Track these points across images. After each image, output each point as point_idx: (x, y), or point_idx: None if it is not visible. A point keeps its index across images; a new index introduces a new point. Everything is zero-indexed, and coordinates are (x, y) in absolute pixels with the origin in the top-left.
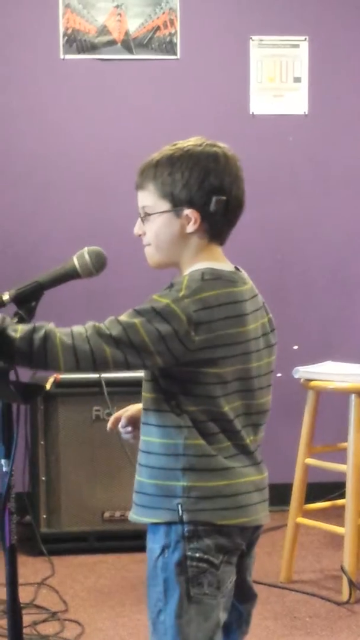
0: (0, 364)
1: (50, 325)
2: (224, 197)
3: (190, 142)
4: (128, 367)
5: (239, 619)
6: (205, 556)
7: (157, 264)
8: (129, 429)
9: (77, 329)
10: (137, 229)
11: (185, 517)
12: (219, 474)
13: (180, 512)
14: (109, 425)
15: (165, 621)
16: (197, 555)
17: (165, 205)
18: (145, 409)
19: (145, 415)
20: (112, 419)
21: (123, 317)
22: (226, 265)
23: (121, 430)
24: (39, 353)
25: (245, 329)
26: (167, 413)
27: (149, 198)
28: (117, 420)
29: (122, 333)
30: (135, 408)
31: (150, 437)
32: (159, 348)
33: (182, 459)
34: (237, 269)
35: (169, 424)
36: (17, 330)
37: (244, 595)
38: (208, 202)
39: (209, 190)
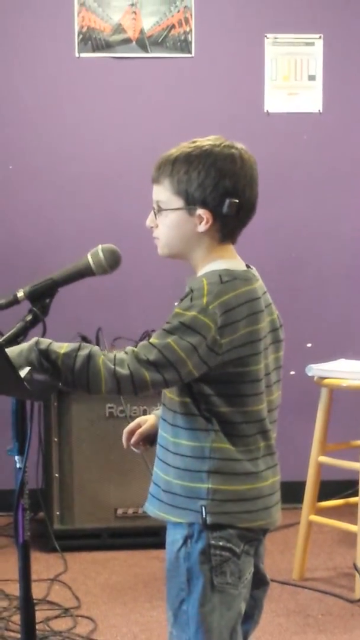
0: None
1: (95, 347)
2: (237, 200)
3: (209, 140)
4: (167, 385)
5: (251, 607)
6: (228, 545)
7: (166, 256)
8: (140, 445)
9: (119, 354)
10: (149, 221)
11: (208, 519)
12: (242, 478)
13: (203, 514)
14: (125, 442)
15: (188, 610)
16: (221, 543)
17: (179, 202)
18: (172, 411)
19: (173, 417)
20: (125, 434)
21: (155, 340)
22: (239, 264)
23: (133, 448)
24: (82, 371)
25: (263, 325)
26: (195, 416)
27: (163, 193)
28: (130, 434)
29: (159, 355)
30: (148, 424)
31: (180, 439)
32: (194, 360)
33: (208, 461)
34: (248, 266)
35: (197, 427)
36: (63, 347)
37: (256, 582)
38: (221, 203)
39: (223, 192)
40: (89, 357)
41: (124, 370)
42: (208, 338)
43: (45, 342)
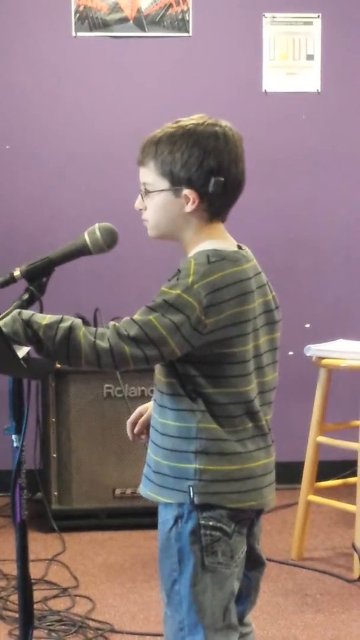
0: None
1: (77, 320)
2: (222, 179)
3: (192, 120)
4: (148, 362)
5: (247, 587)
6: (219, 524)
7: (155, 238)
8: (144, 436)
9: (100, 329)
10: (138, 204)
11: (196, 500)
12: (231, 458)
13: (191, 494)
14: (130, 435)
15: (180, 591)
16: (211, 523)
17: (164, 183)
18: (160, 392)
19: (161, 398)
20: (129, 426)
21: (137, 316)
22: (229, 244)
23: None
24: (62, 342)
25: (252, 306)
26: (181, 397)
27: (149, 175)
28: (134, 425)
29: (139, 331)
30: (150, 412)
31: (167, 420)
32: (176, 339)
33: (195, 442)
34: (239, 247)
35: (183, 407)
36: (45, 318)
37: (252, 563)
38: (207, 182)
39: (207, 170)
40: (70, 329)
41: (104, 344)
42: (192, 317)
43: (27, 313)
